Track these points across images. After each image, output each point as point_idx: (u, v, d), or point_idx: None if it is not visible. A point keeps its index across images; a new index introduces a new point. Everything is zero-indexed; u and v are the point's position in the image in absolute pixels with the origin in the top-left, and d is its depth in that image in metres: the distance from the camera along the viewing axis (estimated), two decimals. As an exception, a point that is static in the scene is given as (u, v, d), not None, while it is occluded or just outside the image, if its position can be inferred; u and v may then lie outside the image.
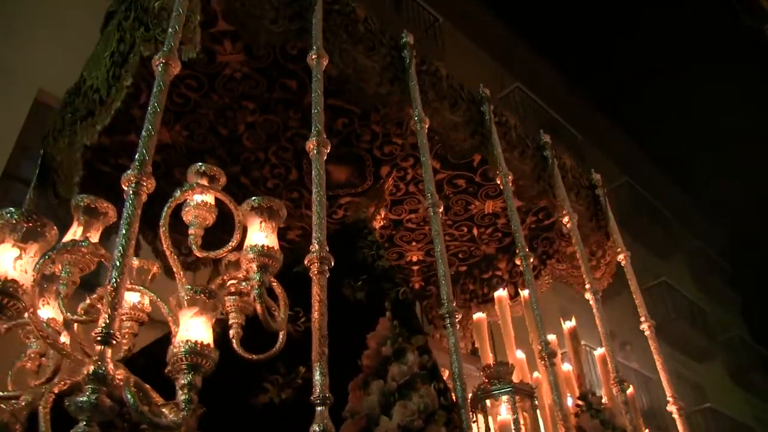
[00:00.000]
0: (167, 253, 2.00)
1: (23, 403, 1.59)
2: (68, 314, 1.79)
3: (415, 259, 4.06)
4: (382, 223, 3.51)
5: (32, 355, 1.88)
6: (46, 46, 5.32)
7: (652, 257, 12.95)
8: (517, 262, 2.96)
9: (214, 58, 2.87)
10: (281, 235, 2.44)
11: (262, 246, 1.88)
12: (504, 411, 2.51)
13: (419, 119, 2.81)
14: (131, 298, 2.05)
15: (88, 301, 1.96)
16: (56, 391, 1.61)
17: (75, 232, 1.86)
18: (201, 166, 2.17)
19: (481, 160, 3.48)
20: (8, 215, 1.48)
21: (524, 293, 3.18)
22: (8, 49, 5.13)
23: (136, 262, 2.08)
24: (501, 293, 3.36)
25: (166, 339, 2.19)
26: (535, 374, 3.30)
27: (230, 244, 2.08)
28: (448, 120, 3.08)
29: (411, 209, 3.74)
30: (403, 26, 3.15)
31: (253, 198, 1.97)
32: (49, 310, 1.90)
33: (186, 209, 2.10)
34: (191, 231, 2.10)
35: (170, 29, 2.17)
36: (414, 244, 3.97)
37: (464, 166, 3.51)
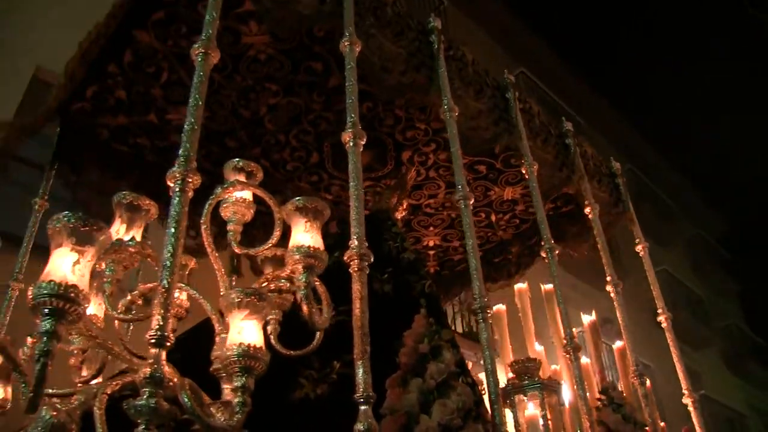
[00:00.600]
0: (208, 250, 2.02)
1: (76, 403, 1.63)
2: (114, 312, 1.83)
3: (431, 244, 4.11)
4: (403, 214, 3.53)
5: (75, 352, 1.90)
6: (45, 22, 5.24)
7: (652, 245, 13.11)
8: (543, 254, 3.00)
9: (239, 38, 2.85)
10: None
11: (308, 247, 1.91)
12: (531, 406, 2.60)
13: (449, 108, 2.81)
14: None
15: (129, 297, 1.99)
16: (109, 391, 1.65)
17: (118, 230, 1.88)
18: (238, 161, 2.19)
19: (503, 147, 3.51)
20: (65, 219, 1.50)
21: (547, 286, 3.24)
22: (6, 25, 5.05)
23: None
24: (521, 285, 3.43)
25: (200, 330, 2.23)
26: (553, 366, 3.39)
27: (270, 241, 2.11)
28: (471, 107, 3.09)
29: (430, 194, 3.78)
30: (408, 8, 3.12)
31: (298, 198, 2.00)
32: (90, 307, 1.92)
33: (224, 205, 2.12)
34: (230, 227, 2.13)
35: (207, 16, 2.16)
36: (431, 229, 4.01)
37: (486, 152, 3.53)
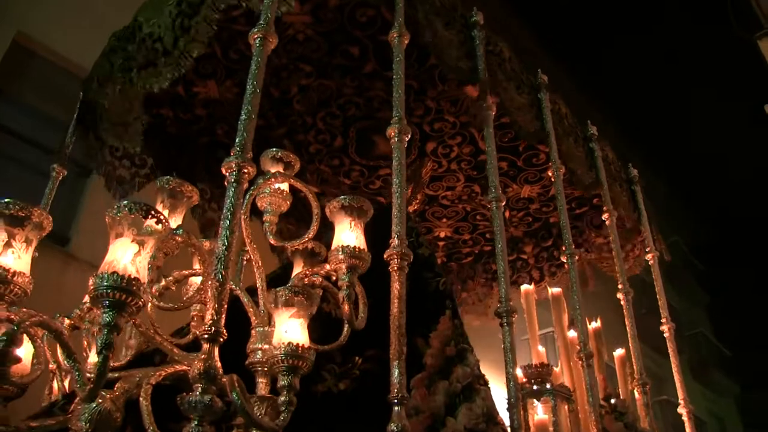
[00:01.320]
0: (247, 242, 2.01)
1: (119, 392, 1.62)
2: (154, 299, 1.81)
3: (442, 235, 4.11)
4: (416, 207, 3.53)
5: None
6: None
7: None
8: (563, 259, 3.03)
9: (280, 17, 2.79)
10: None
11: (354, 248, 1.90)
12: (541, 410, 2.64)
13: (487, 107, 2.80)
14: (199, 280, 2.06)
15: (162, 282, 1.97)
16: (153, 382, 1.65)
17: (160, 215, 1.86)
18: (277, 152, 2.18)
19: (526, 146, 3.51)
20: (126, 209, 1.46)
21: (553, 290, 3.27)
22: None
23: (207, 244, 2.07)
24: (527, 286, 3.45)
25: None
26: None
27: (307, 235, 2.10)
28: (516, 101, 3.08)
29: (448, 186, 3.77)
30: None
31: (343, 197, 1.98)
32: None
33: (261, 196, 2.10)
34: (266, 218, 2.13)
35: (266, 0, 2.11)
36: (444, 220, 4.02)
37: (510, 149, 3.52)
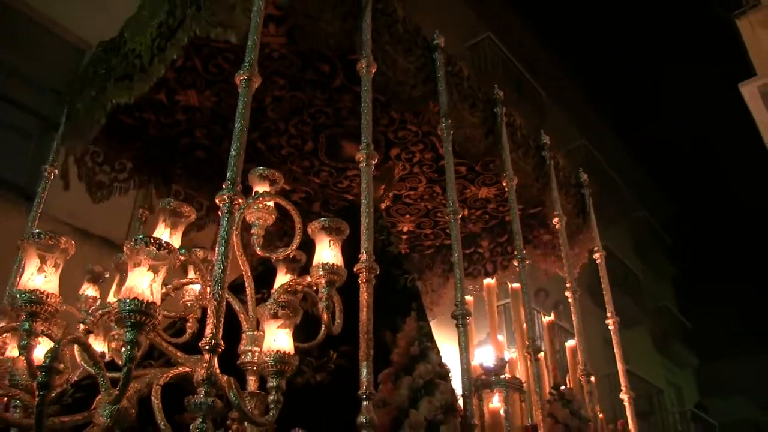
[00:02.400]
0: (238, 254, 2.37)
1: (132, 391, 1.99)
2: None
3: (405, 229, 4.53)
4: (388, 204, 3.92)
5: (116, 336, 2.24)
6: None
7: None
8: (515, 263, 3.47)
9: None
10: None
11: (332, 265, 2.29)
12: (495, 399, 3.09)
13: (446, 126, 3.19)
14: (197, 288, 2.43)
15: (163, 290, 2.33)
16: (162, 383, 2.02)
17: (162, 234, 2.22)
18: (263, 170, 2.53)
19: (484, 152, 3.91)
20: (143, 242, 1.81)
21: (514, 285, 3.71)
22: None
23: (200, 253, 2.43)
24: (490, 281, 3.90)
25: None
26: (509, 355, 3.91)
27: (291, 246, 2.48)
28: (467, 121, 3.47)
29: (411, 187, 4.16)
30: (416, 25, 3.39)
31: (323, 218, 2.36)
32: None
33: (249, 211, 2.46)
34: (253, 231, 2.49)
35: (249, 42, 2.43)
36: (408, 216, 4.43)
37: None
